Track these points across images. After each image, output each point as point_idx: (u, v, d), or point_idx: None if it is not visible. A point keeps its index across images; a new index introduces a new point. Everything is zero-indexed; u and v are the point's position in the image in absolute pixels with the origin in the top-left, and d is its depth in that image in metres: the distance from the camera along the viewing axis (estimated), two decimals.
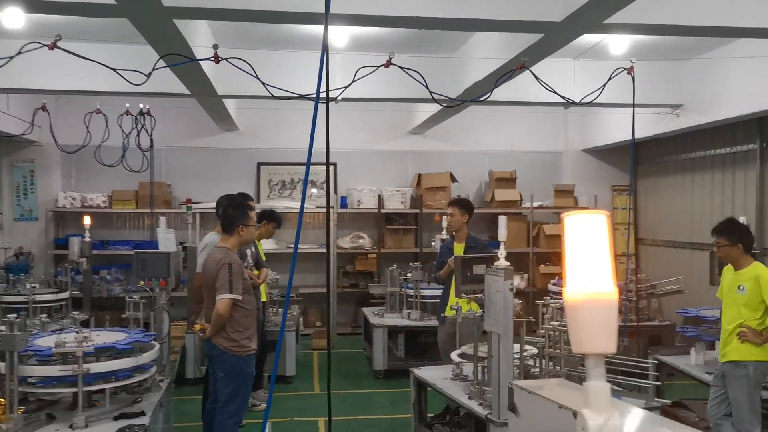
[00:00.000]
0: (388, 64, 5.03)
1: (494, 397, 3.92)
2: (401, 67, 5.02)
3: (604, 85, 5.12)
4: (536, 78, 5.11)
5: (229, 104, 9.03)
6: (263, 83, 4.92)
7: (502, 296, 3.86)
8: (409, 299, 7.93)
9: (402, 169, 10.94)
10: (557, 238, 10.44)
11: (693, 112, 8.00)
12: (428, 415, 5.32)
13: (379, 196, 10.25)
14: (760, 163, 8.04)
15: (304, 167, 10.74)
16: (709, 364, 5.36)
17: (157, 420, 4.18)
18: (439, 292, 7.81)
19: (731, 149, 8.66)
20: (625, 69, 5.07)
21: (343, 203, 10.32)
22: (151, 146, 8.57)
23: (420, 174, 10.44)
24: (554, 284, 8.50)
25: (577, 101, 7.83)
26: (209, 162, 10.57)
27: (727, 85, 7.48)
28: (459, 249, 5.88)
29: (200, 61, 5.33)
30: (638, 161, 11.03)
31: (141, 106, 8.10)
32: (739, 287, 4.25)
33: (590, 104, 8.01)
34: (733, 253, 4.27)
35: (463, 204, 5.91)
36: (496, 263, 3.99)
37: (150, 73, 4.67)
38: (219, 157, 10.58)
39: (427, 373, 5.14)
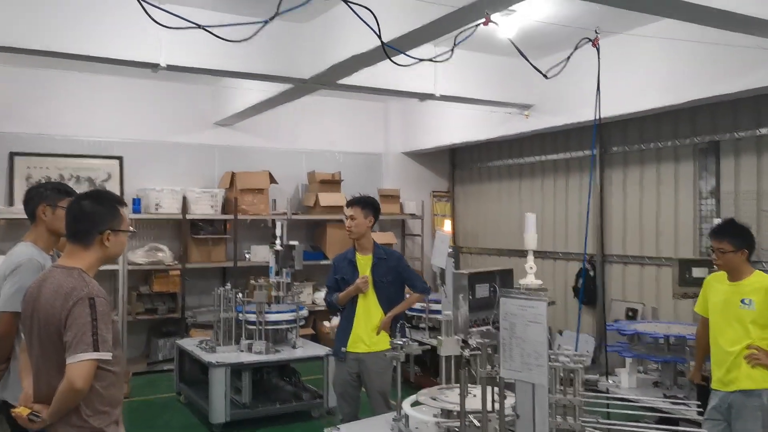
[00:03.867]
0: None
1: None
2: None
3: (569, 57, 4.22)
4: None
5: None
6: None
7: (539, 329, 2.68)
8: (250, 326, 6.30)
9: (207, 167, 9.10)
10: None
11: (545, 114, 7.69)
12: None
13: (184, 198, 8.31)
14: (600, 170, 8.04)
15: (76, 160, 8.39)
16: (642, 386, 4.80)
17: None
18: (288, 316, 6.42)
19: (556, 156, 8.63)
20: (590, 40, 4.27)
21: (137, 207, 8.15)
22: None
23: (234, 173, 8.73)
24: None
25: (437, 94, 7.08)
26: None
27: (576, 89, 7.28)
28: (364, 263, 4.52)
29: None
30: (455, 167, 10.72)
31: None
32: (743, 301, 3.65)
33: (451, 99, 7.31)
34: (736, 260, 3.66)
35: (366, 203, 4.57)
36: (522, 281, 2.81)
37: None
38: None
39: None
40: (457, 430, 3.22)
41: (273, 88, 7.01)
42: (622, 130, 7.75)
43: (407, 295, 4.67)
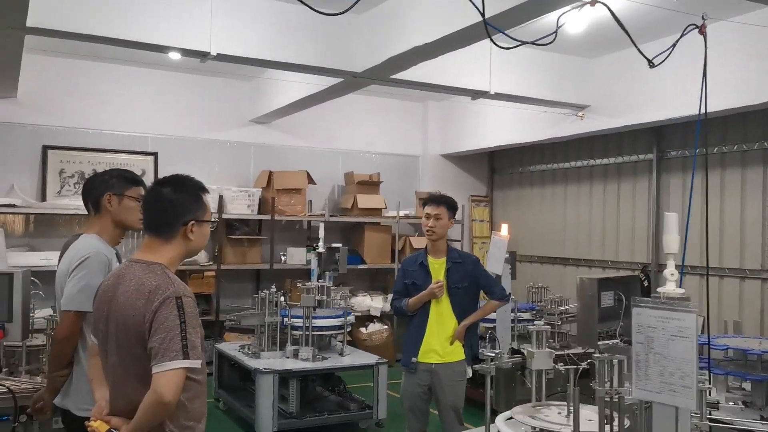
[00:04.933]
0: None
1: None
2: None
3: (675, 43, 3.84)
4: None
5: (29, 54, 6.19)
6: None
7: (687, 345, 2.33)
8: (295, 332, 5.97)
9: (242, 165, 8.80)
10: None
11: (601, 115, 7.33)
12: None
13: (221, 197, 8.00)
14: (657, 176, 7.67)
15: (110, 155, 8.11)
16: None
17: None
18: (336, 322, 6.09)
19: (607, 160, 8.26)
20: (697, 26, 3.91)
21: None
22: None
23: (271, 172, 8.42)
24: None
25: (492, 92, 6.75)
26: None
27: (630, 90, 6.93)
28: (438, 267, 4.18)
29: None
30: (494, 171, 10.38)
31: None
32: None
33: (505, 98, 6.99)
34: None
35: (451, 203, 4.25)
36: (662, 290, 2.46)
37: None
38: None
39: None
40: None
41: (321, 82, 6.69)
42: (681, 133, 7.38)
43: (481, 302, 4.33)
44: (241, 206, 8.14)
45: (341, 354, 6.06)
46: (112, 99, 7.99)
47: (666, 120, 6.71)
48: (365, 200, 8.77)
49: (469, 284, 4.16)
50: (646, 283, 7.71)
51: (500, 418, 3.25)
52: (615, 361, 2.55)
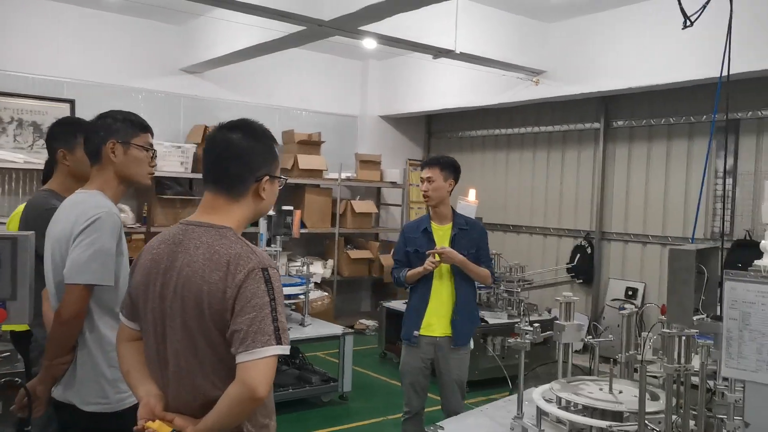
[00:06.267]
0: None
1: None
2: None
3: (708, 1, 3.60)
4: None
5: None
6: None
7: None
8: None
9: (171, 118, 8.02)
10: (366, 217, 8.90)
11: (557, 81, 7.26)
12: None
13: None
14: (603, 145, 7.74)
15: (19, 100, 7.10)
16: None
17: None
18: (297, 290, 5.70)
19: (552, 128, 8.27)
20: None
21: None
22: None
23: (206, 126, 7.74)
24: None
25: (457, 51, 6.50)
26: None
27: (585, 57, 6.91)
28: (443, 234, 3.88)
29: None
30: (431, 134, 10.18)
31: None
32: None
33: (468, 58, 6.75)
34: None
35: (446, 163, 3.92)
36: (760, 262, 2.32)
37: None
38: None
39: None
40: None
41: (274, 28, 6.08)
42: (629, 103, 7.46)
43: None
44: (174, 163, 7.42)
45: (302, 324, 5.69)
46: (21, 36, 6.97)
47: (624, 89, 6.72)
48: (306, 161, 8.29)
49: (476, 253, 3.91)
50: (589, 251, 7.86)
51: (537, 394, 3.06)
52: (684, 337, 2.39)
